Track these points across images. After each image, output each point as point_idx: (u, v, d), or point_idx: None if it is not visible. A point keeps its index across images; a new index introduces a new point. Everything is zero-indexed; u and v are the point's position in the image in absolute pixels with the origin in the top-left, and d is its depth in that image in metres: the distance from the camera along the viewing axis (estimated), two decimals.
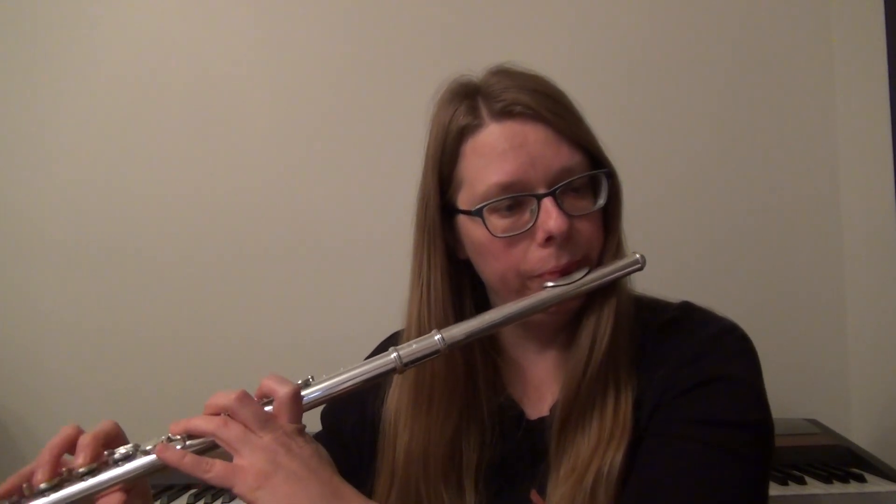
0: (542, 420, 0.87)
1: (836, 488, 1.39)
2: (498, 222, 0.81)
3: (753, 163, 1.85)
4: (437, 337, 0.77)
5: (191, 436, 0.69)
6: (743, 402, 0.79)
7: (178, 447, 0.69)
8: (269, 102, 1.90)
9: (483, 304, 0.91)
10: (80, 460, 0.67)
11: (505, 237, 0.81)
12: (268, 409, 0.71)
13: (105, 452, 0.69)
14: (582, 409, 0.82)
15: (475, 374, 0.89)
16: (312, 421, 0.81)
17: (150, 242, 1.88)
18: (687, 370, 0.80)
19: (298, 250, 1.87)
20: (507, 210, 0.81)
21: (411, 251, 0.90)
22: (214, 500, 1.49)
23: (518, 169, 0.79)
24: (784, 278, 1.84)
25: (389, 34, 1.89)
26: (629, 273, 0.84)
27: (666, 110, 1.87)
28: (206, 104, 1.89)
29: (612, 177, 0.85)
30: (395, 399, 0.91)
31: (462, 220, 0.86)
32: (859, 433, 1.76)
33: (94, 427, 0.70)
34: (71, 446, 0.69)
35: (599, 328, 0.82)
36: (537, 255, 0.81)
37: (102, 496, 0.67)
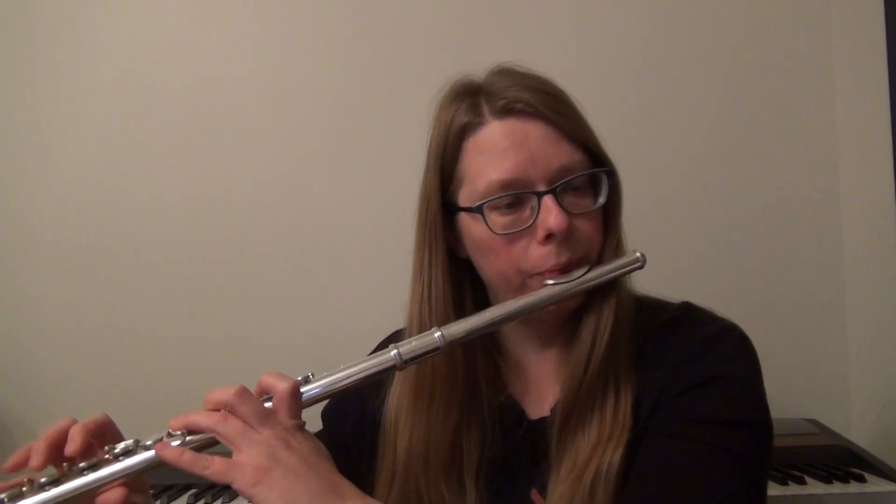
0: (542, 420, 0.87)
1: (836, 488, 1.39)
2: (498, 219, 0.81)
3: (753, 163, 1.85)
4: (438, 334, 0.77)
5: (191, 431, 0.70)
6: (742, 401, 0.79)
7: (178, 443, 0.69)
8: (269, 102, 1.90)
9: (484, 304, 0.91)
10: (71, 448, 0.68)
11: (505, 234, 0.81)
12: (267, 405, 0.71)
13: (105, 447, 0.69)
14: (582, 409, 0.82)
15: (476, 372, 0.89)
16: (313, 419, 0.81)
17: (149, 242, 1.88)
18: (686, 369, 0.80)
19: (299, 250, 1.88)
20: (508, 207, 0.81)
21: (412, 250, 0.91)
22: (214, 500, 1.48)
23: (518, 166, 0.80)
24: (784, 278, 1.84)
25: (391, 34, 1.89)
26: (629, 271, 0.84)
27: (666, 111, 1.87)
28: (207, 104, 1.89)
29: (612, 175, 0.85)
30: (396, 398, 0.91)
31: (463, 217, 0.86)
32: (859, 433, 1.75)
33: (86, 418, 0.71)
34: (65, 435, 0.69)
35: (600, 327, 0.83)
36: (537, 253, 0.81)
37: (103, 491, 0.67)
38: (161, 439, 0.69)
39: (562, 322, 0.88)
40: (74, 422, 0.70)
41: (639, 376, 0.83)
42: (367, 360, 0.76)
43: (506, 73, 0.86)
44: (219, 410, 0.70)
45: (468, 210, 0.84)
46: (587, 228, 0.82)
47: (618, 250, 0.86)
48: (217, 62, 1.90)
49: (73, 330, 1.87)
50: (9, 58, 1.89)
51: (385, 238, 1.80)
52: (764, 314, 1.78)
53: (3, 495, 0.64)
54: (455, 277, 0.89)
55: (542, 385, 0.91)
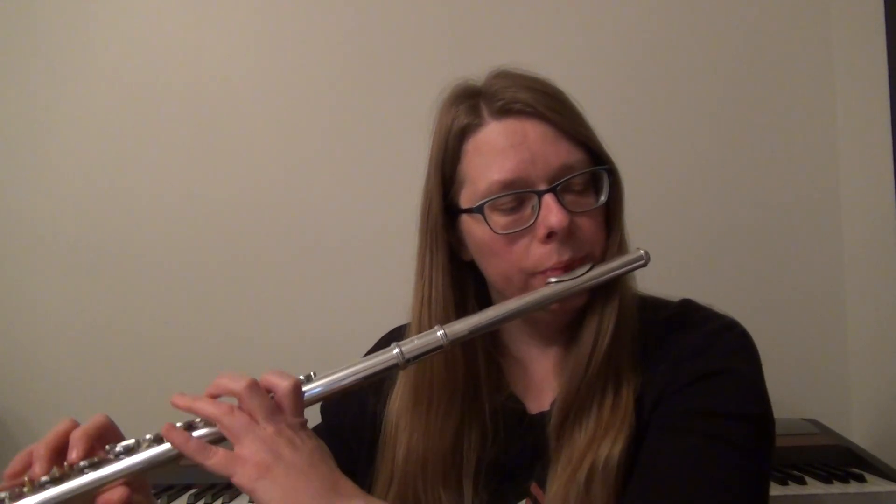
0: (542, 414, 0.88)
1: (836, 488, 1.39)
2: (499, 219, 0.82)
3: (754, 162, 1.86)
4: (440, 332, 0.77)
5: (192, 426, 0.70)
6: (744, 395, 0.79)
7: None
8: (270, 104, 1.90)
9: (487, 306, 0.91)
10: (73, 455, 0.67)
11: (506, 234, 0.81)
12: None
13: (107, 447, 0.69)
14: (581, 406, 0.82)
15: (477, 374, 0.89)
16: (312, 416, 0.81)
17: (149, 242, 1.88)
18: (688, 364, 0.80)
19: (300, 250, 1.88)
20: (509, 207, 0.81)
21: (415, 253, 0.91)
22: (214, 500, 1.48)
23: (518, 166, 0.80)
24: (784, 278, 1.84)
25: (392, 36, 1.89)
26: (633, 269, 0.84)
27: (666, 111, 1.87)
28: (207, 105, 1.89)
29: (613, 174, 0.86)
30: (397, 400, 0.91)
31: (465, 219, 0.86)
32: (859, 433, 1.76)
33: (87, 422, 0.70)
34: (66, 440, 0.69)
35: (602, 326, 0.83)
36: (539, 252, 0.81)
37: (104, 490, 0.67)
38: (161, 438, 0.69)
39: (565, 321, 0.88)
40: (75, 424, 0.70)
41: (641, 373, 0.83)
42: (369, 359, 0.76)
43: (504, 76, 0.87)
44: (219, 397, 0.70)
45: (469, 211, 0.84)
46: (589, 227, 0.82)
47: (621, 248, 0.86)
48: (218, 63, 1.90)
49: (73, 330, 1.87)
50: (9, 58, 1.89)
51: (385, 239, 1.80)
52: (764, 314, 1.78)
53: (3, 494, 0.64)
54: (457, 280, 0.89)
55: (543, 382, 0.91)
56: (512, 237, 0.82)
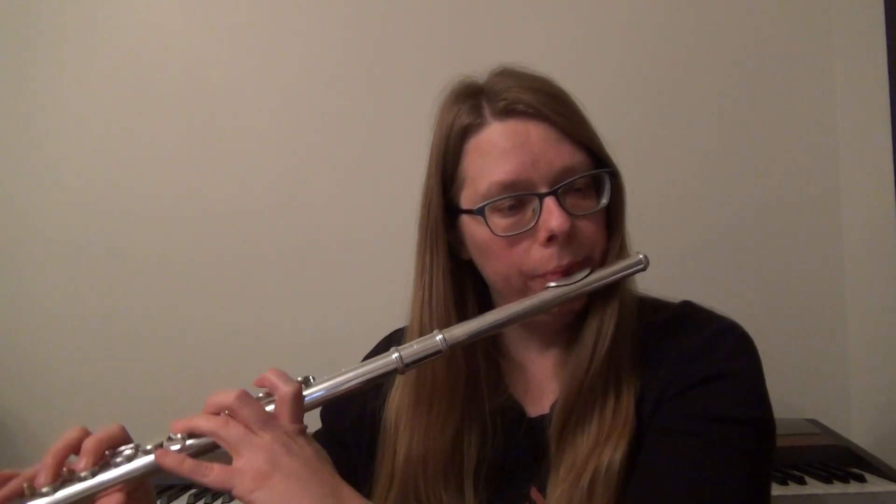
0: (542, 417, 0.87)
1: (836, 488, 1.40)
2: (500, 221, 0.81)
3: (754, 163, 1.86)
4: (439, 337, 0.77)
5: (192, 435, 0.69)
6: (745, 398, 0.79)
7: (178, 447, 0.68)
8: (270, 103, 1.90)
9: (486, 305, 0.91)
10: (81, 464, 0.67)
11: (507, 236, 0.81)
12: (269, 408, 0.71)
13: (106, 452, 0.68)
14: (582, 409, 0.82)
15: (477, 375, 0.89)
16: (312, 419, 0.81)
17: (149, 242, 1.88)
18: (689, 367, 0.80)
19: (300, 250, 1.88)
20: (509, 209, 0.81)
21: (414, 252, 0.90)
22: (214, 501, 1.49)
23: (519, 168, 0.79)
24: (784, 278, 1.84)
25: (392, 34, 1.89)
26: (632, 273, 0.83)
27: (666, 110, 1.87)
28: (208, 105, 1.89)
29: (615, 176, 0.85)
30: (397, 400, 0.91)
31: (465, 219, 0.86)
32: (859, 433, 1.76)
33: (100, 430, 0.70)
34: (75, 449, 0.68)
35: (602, 329, 0.82)
36: (539, 255, 0.81)
37: (102, 496, 0.66)
38: (161, 444, 0.69)
39: (564, 324, 0.87)
40: (84, 431, 0.69)
41: (641, 376, 0.83)
42: (368, 364, 0.76)
43: (507, 74, 0.86)
44: (219, 414, 0.70)
45: (469, 212, 0.83)
46: (589, 230, 0.82)
47: (622, 252, 0.85)
48: (218, 63, 1.90)
49: (73, 329, 1.87)
50: (9, 57, 1.89)
51: (385, 238, 1.79)
52: (764, 314, 1.78)
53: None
54: (457, 279, 0.89)
55: (543, 384, 0.91)
56: (512, 239, 0.81)
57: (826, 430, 1.65)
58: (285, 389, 0.70)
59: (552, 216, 0.78)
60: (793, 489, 1.40)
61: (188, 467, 0.66)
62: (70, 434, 0.69)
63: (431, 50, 1.87)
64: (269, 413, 0.70)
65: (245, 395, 0.69)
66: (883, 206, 1.72)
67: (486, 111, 0.83)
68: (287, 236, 1.88)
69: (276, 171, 1.89)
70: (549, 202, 0.79)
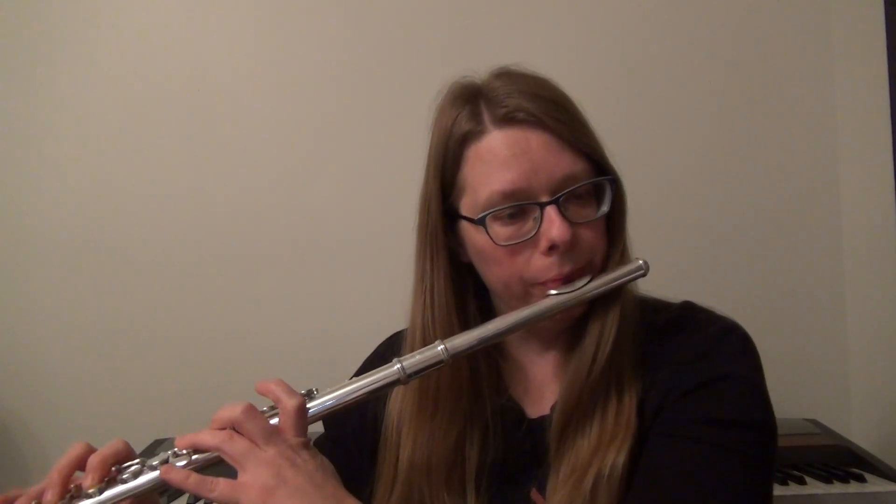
0: (542, 419, 0.87)
1: (836, 488, 1.40)
2: (500, 230, 0.80)
3: (754, 163, 1.85)
4: (441, 347, 0.77)
5: (197, 450, 0.69)
6: (746, 401, 0.79)
7: (183, 463, 0.68)
8: (271, 103, 1.89)
9: (487, 308, 0.91)
10: (88, 482, 0.67)
11: (508, 245, 0.80)
12: (273, 421, 0.71)
13: (113, 468, 0.69)
14: (583, 412, 0.81)
15: (479, 379, 0.88)
16: (313, 426, 0.81)
17: (150, 242, 1.88)
18: (690, 370, 0.80)
19: (301, 251, 1.87)
20: (510, 218, 0.80)
21: (413, 255, 0.90)
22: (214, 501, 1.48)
23: (520, 177, 0.78)
24: (784, 278, 1.84)
25: (393, 35, 1.89)
26: (632, 279, 0.83)
27: (666, 110, 1.87)
28: (208, 105, 1.89)
29: (616, 183, 0.84)
30: (399, 404, 0.90)
31: (465, 225, 0.85)
32: (859, 433, 1.76)
33: (104, 447, 0.70)
34: (80, 465, 0.68)
35: (603, 333, 0.82)
36: (540, 263, 0.80)
37: None
38: (167, 460, 0.69)
39: (564, 326, 0.87)
40: (88, 447, 0.70)
41: (642, 378, 0.82)
42: (370, 376, 0.76)
43: (506, 77, 0.85)
44: (225, 429, 0.70)
45: (470, 220, 0.83)
46: (590, 237, 0.81)
47: (623, 258, 0.85)
48: (218, 63, 1.90)
49: (72, 329, 1.87)
50: (9, 57, 1.88)
51: (386, 238, 1.79)
52: (764, 314, 1.78)
53: None
54: (457, 283, 0.88)
55: (543, 385, 0.90)
56: (513, 248, 0.81)
57: (826, 430, 1.65)
58: (289, 403, 0.71)
59: (553, 226, 0.78)
60: (793, 489, 1.40)
61: (194, 482, 0.66)
62: (74, 450, 0.69)
63: (432, 50, 1.86)
64: (273, 426, 0.70)
65: (251, 409, 0.70)
66: (883, 206, 1.72)
67: (486, 118, 0.82)
68: (287, 236, 1.88)
69: (276, 170, 1.89)
70: (551, 211, 0.79)
